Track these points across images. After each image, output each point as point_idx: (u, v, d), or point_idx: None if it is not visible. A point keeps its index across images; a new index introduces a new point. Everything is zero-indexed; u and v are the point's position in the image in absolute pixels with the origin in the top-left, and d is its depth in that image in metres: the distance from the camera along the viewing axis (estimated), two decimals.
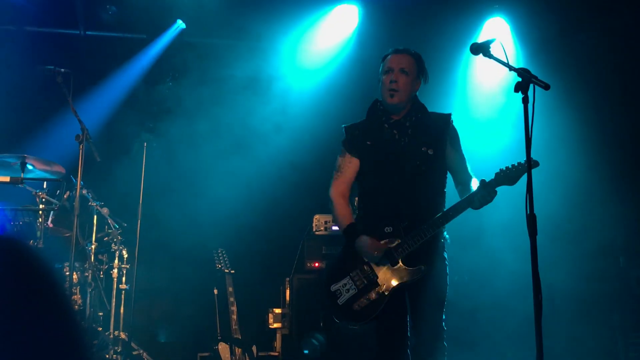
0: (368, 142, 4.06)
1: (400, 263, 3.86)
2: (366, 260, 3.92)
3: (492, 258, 6.73)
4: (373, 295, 3.86)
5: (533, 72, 3.27)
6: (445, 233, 4.05)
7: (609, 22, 6.94)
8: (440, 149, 4.01)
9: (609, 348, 6.37)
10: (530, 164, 3.25)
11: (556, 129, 6.73)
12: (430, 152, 3.96)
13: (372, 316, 3.87)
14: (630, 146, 6.90)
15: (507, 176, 3.78)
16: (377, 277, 3.88)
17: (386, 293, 3.86)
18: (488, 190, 3.77)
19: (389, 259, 3.87)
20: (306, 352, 3.72)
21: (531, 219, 3.13)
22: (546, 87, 3.22)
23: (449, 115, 4.11)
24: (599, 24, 7.00)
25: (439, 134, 4.02)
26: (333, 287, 3.94)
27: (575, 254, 6.60)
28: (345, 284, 3.91)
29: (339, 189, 4.10)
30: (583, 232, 6.67)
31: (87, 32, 7.27)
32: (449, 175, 4.11)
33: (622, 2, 6.85)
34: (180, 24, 7.25)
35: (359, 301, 3.88)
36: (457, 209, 3.84)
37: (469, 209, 3.87)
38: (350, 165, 4.10)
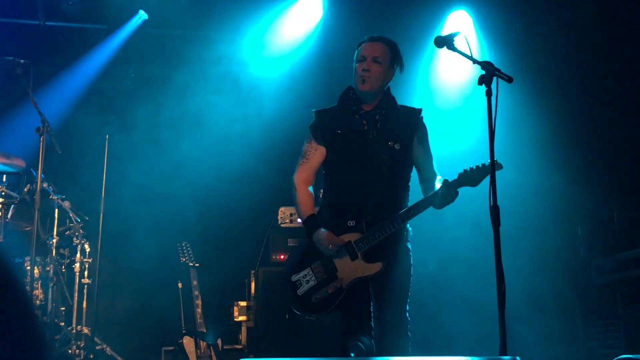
0: (337, 131, 4.04)
1: (360, 258, 3.87)
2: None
3: (456, 249, 6.81)
4: (331, 288, 3.88)
5: (496, 65, 3.30)
6: (408, 226, 4.06)
7: (569, 15, 7.04)
8: (407, 144, 3.99)
9: (570, 337, 6.48)
10: (493, 155, 3.29)
11: (519, 121, 6.80)
12: (396, 146, 3.95)
13: (329, 309, 3.89)
14: (590, 139, 7.01)
15: (469, 177, 3.77)
16: (337, 271, 3.89)
17: (344, 287, 3.88)
18: (449, 190, 3.76)
19: (349, 253, 3.88)
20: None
21: (494, 211, 3.17)
22: (509, 79, 3.25)
23: (420, 110, 4.09)
24: (561, 17, 7.09)
25: (407, 129, 4.01)
26: (294, 278, 3.95)
27: (537, 245, 6.70)
28: (306, 275, 3.93)
29: (302, 176, 4.07)
30: (544, 223, 6.76)
31: (47, 23, 7.12)
32: (413, 170, 4.11)
33: None
34: (142, 15, 7.15)
35: (318, 293, 3.89)
36: (419, 207, 3.85)
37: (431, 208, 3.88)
38: (316, 153, 4.07)
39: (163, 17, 7.13)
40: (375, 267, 3.86)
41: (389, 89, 4.11)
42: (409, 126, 4.02)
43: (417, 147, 4.04)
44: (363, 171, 3.95)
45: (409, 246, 4.04)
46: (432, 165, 4.06)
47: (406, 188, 4.06)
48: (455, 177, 3.81)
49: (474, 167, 3.77)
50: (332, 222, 3.96)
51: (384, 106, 4.04)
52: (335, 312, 3.92)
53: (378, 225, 3.84)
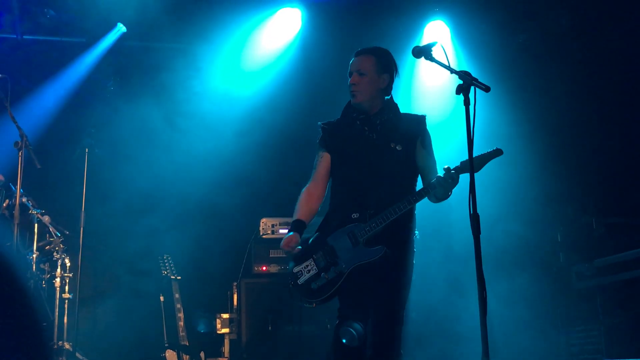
0: (340, 136, 4.15)
1: (362, 244, 3.92)
2: (330, 243, 3.99)
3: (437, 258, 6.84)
4: (331, 273, 3.93)
5: (473, 74, 3.34)
6: (415, 231, 4.09)
7: (546, 24, 7.13)
8: (409, 147, 4.07)
9: (551, 343, 6.52)
10: (472, 164, 3.32)
11: (497, 130, 6.86)
12: (398, 147, 4.03)
13: (327, 294, 3.93)
14: (569, 146, 7.08)
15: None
16: (338, 258, 3.95)
17: (344, 272, 3.91)
18: (450, 174, 3.79)
19: (350, 240, 3.93)
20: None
21: (474, 219, 3.20)
22: (486, 89, 3.29)
23: (423, 117, 4.17)
24: (537, 26, 7.17)
25: (409, 133, 4.09)
26: (295, 269, 4.04)
27: (517, 251, 6.74)
28: (307, 265, 4.00)
29: (310, 185, 4.19)
30: (524, 229, 6.81)
31: (24, 36, 7.08)
32: (419, 178, 4.16)
33: (557, 3, 7.05)
34: (121, 28, 7.14)
35: (318, 280, 3.95)
36: (421, 193, 3.90)
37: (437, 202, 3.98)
38: (322, 161, 4.19)
39: (142, 30, 7.13)
40: (376, 251, 3.90)
41: (391, 97, 4.18)
42: (411, 130, 4.10)
43: (420, 151, 4.10)
44: (365, 170, 4.03)
45: (414, 261, 4.06)
46: (436, 170, 4.09)
47: (410, 190, 4.05)
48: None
49: (479, 155, 3.81)
50: (336, 218, 4.04)
51: (385, 113, 4.12)
52: (334, 298, 3.94)
53: (381, 214, 3.90)
